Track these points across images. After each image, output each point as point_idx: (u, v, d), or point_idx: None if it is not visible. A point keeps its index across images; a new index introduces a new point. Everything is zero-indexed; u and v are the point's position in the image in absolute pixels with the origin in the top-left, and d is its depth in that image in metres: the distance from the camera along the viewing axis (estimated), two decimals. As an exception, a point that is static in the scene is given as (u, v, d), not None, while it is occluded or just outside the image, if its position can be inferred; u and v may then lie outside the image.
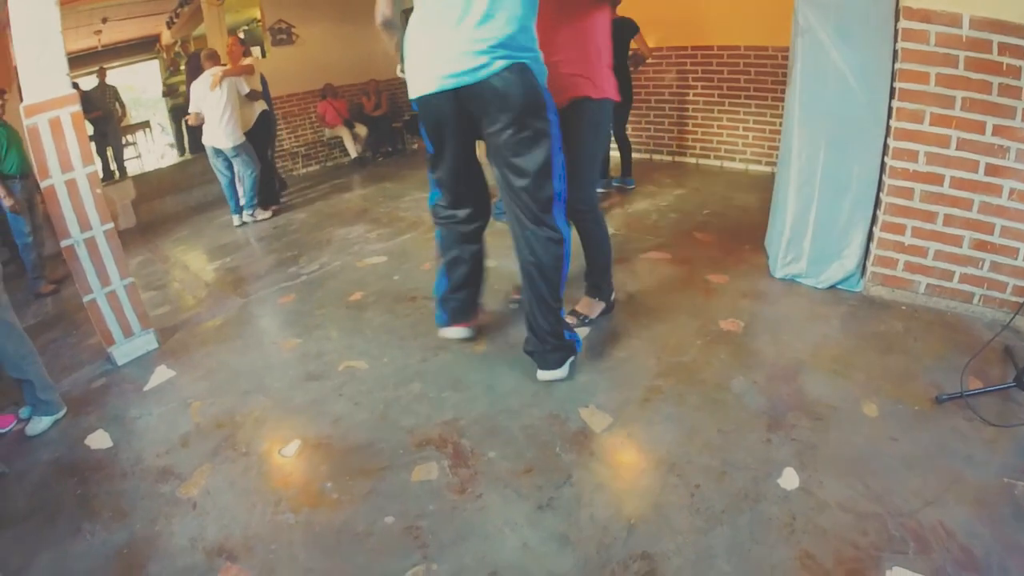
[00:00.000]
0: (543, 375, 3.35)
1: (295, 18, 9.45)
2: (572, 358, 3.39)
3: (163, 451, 3.10)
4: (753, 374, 3.29)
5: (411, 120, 10.47)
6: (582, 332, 3.77)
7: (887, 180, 3.75)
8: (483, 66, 2.82)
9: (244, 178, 6.80)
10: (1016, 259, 3.52)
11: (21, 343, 3.27)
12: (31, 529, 2.70)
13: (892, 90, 3.62)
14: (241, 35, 8.98)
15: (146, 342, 4.05)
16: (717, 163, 7.32)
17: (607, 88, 3.46)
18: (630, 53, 5.92)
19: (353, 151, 9.85)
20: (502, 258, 4.46)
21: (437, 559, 2.34)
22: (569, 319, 3.75)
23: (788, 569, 2.24)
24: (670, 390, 3.22)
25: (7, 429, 3.37)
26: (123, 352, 3.95)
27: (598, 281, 3.90)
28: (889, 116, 3.67)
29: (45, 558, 2.53)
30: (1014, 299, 3.55)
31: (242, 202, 6.97)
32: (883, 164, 3.78)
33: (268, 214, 7.06)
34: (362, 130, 9.96)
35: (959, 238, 3.66)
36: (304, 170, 9.61)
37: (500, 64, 2.83)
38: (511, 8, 2.82)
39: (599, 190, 5.82)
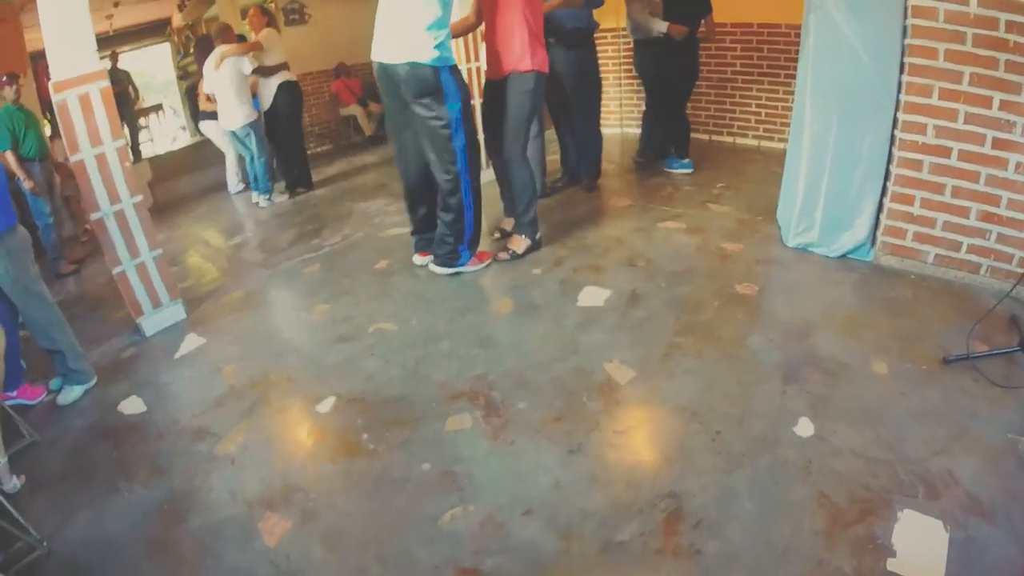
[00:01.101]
0: (433, 266, 4.37)
1: None
2: (454, 270, 4.31)
3: (199, 412, 3.17)
4: (768, 333, 3.38)
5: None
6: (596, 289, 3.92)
7: (897, 152, 3.81)
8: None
9: (255, 161, 6.69)
10: (1023, 231, 3.58)
11: (51, 312, 3.33)
12: (67, 490, 2.77)
13: (902, 65, 3.66)
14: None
15: (175, 312, 4.11)
16: (730, 139, 7.30)
17: (534, 62, 4.17)
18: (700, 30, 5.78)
19: (367, 129, 9.81)
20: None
21: (473, 500, 2.43)
22: (501, 255, 4.52)
23: (806, 507, 2.34)
24: (689, 347, 3.30)
25: (38, 400, 3.42)
26: (152, 323, 4.01)
27: (522, 220, 4.52)
28: (899, 90, 3.72)
29: (83, 517, 2.59)
30: (1020, 270, 3.60)
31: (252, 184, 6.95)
32: (893, 136, 3.83)
33: (284, 197, 6.92)
34: (376, 108, 9.83)
35: (966, 210, 3.71)
36: (319, 148, 9.59)
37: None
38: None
39: (685, 170, 6.01)
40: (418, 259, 4.54)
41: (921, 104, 3.67)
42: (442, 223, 4.21)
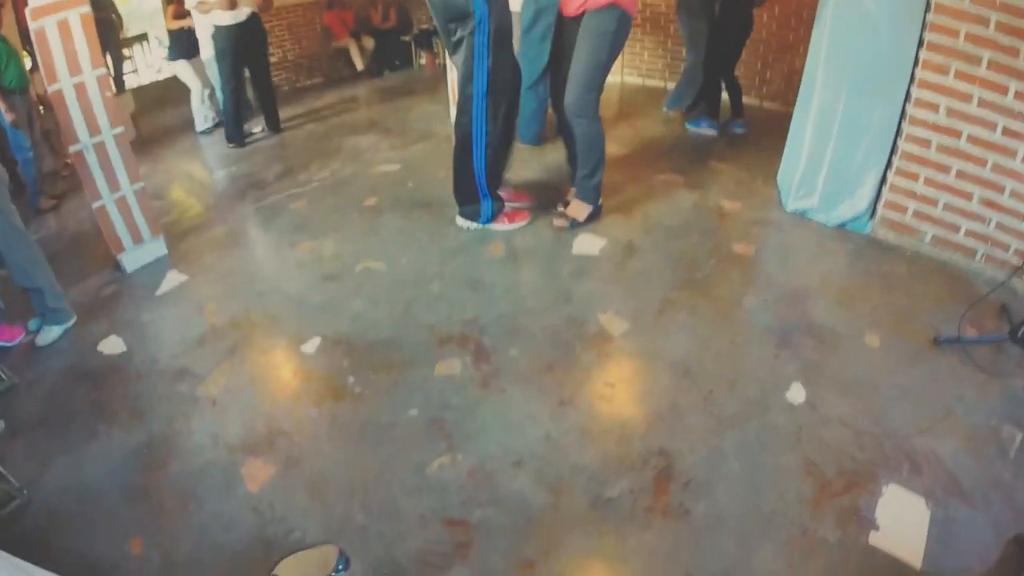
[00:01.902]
0: (459, 219, 4.06)
1: None
2: (477, 225, 4.02)
3: (179, 352, 3.11)
4: (763, 294, 3.37)
5: (421, 34, 10.24)
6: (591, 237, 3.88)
7: (906, 128, 3.78)
8: None
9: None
10: (1023, 222, 3.59)
11: (30, 249, 3.24)
12: (45, 435, 2.72)
13: (921, 40, 3.63)
14: None
15: (156, 248, 4.02)
16: (757, 102, 7.22)
17: None
18: None
19: (359, 64, 9.56)
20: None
21: (462, 449, 2.40)
22: (558, 222, 4.05)
23: (793, 474, 2.36)
24: (684, 303, 3.28)
25: (16, 341, 3.35)
26: (133, 259, 3.92)
27: (585, 183, 4.02)
28: (915, 65, 3.69)
29: (61, 463, 2.55)
30: (1016, 260, 3.63)
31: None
32: (904, 112, 3.80)
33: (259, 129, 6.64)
34: (369, 43, 9.65)
35: (969, 194, 3.71)
36: (308, 82, 9.36)
37: None
38: None
39: (711, 131, 5.62)
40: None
41: (936, 83, 3.64)
42: (455, 168, 3.93)
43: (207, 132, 6.76)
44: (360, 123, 6.70)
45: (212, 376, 2.91)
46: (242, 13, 5.70)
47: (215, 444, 2.54)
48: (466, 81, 3.63)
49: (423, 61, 10.00)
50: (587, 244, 3.81)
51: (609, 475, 2.31)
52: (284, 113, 6.86)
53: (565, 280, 3.47)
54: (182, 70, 6.63)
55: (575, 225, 4.02)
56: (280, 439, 2.51)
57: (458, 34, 3.56)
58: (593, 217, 4.10)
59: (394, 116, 6.81)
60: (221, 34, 5.76)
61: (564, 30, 3.87)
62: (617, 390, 2.72)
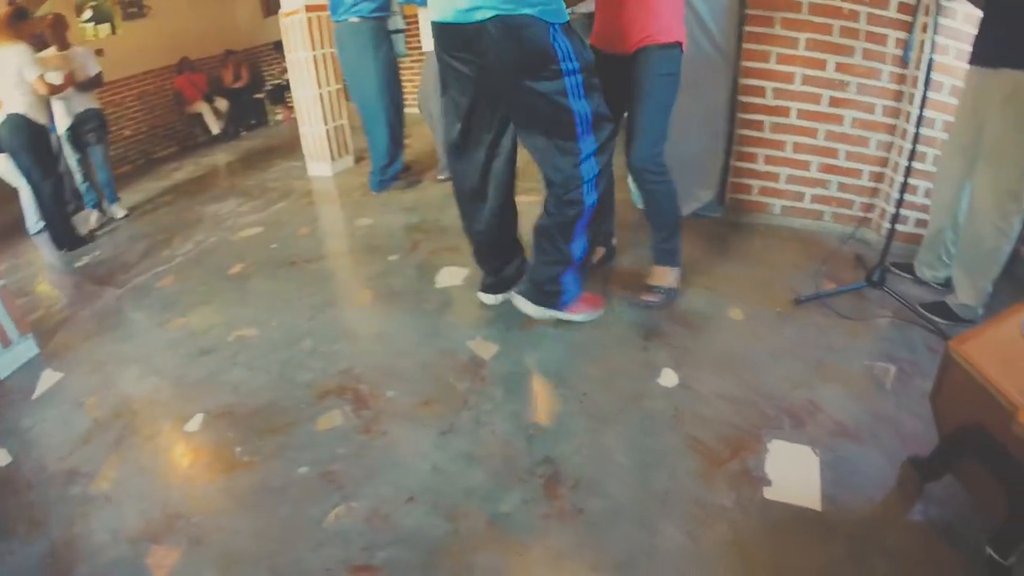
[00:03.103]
0: (521, 303, 3.31)
1: None
2: (554, 314, 3.30)
3: (66, 453, 3.04)
4: (627, 293, 3.53)
5: (273, 90, 10.20)
6: (455, 269, 3.97)
7: (738, 115, 4.13)
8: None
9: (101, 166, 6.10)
10: (861, 179, 3.95)
11: None
12: (-56, 562, 2.64)
13: (741, 32, 3.95)
14: (89, 11, 8.41)
15: (27, 348, 3.91)
16: None
17: (675, 31, 3.12)
18: None
19: (215, 127, 9.54)
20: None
21: (356, 496, 2.44)
22: (648, 298, 3.47)
23: (678, 453, 2.50)
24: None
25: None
26: (4, 364, 3.79)
27: (665, 246, 3.51)
28: (739, 57, 4.00)
29: (-33, 589, 2.48)
30: (862, 215, 3.95)
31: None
32: (735, 101, 4.11)
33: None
34: (223, 104, 9.66)
35: (807, 163, 4.07)
36: (165, 152, 9.23)
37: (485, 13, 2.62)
38: None
39: None
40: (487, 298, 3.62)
41: (760, 69, 4.01)
42: (544, 239, 3.16)
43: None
44: (220, 188, 6.67)
45: (102, 472, 2.87)
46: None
47: (116, 540, 2.51)
48: (562, 151, 2.89)
49: (279, 116, 9.97)
50: (450, 276, 3.93)
51: (500, 492, 2.40)
52: (142, 187, 6.75)
53: (433, 315, 3.56)
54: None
55: (672, 295, 3.49)
56: (179, 522, 2.51)
57: (531, 94, 2.77)
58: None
59: (253, 177, 6.83)
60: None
61: (608, 72, 3.12)
62: (494, 411, 2.82)
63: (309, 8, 5.98)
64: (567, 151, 2.87)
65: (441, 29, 2.82)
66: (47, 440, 3.20)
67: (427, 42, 5.49)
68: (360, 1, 5.15)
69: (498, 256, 3.49)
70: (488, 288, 3.57)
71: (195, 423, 3.02)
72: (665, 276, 3.51)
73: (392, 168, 5.74)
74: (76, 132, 5.85)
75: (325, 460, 2.64)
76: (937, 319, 3.24)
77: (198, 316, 3.94)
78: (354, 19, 5.20)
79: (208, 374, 3.36)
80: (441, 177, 5.88)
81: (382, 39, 5.32)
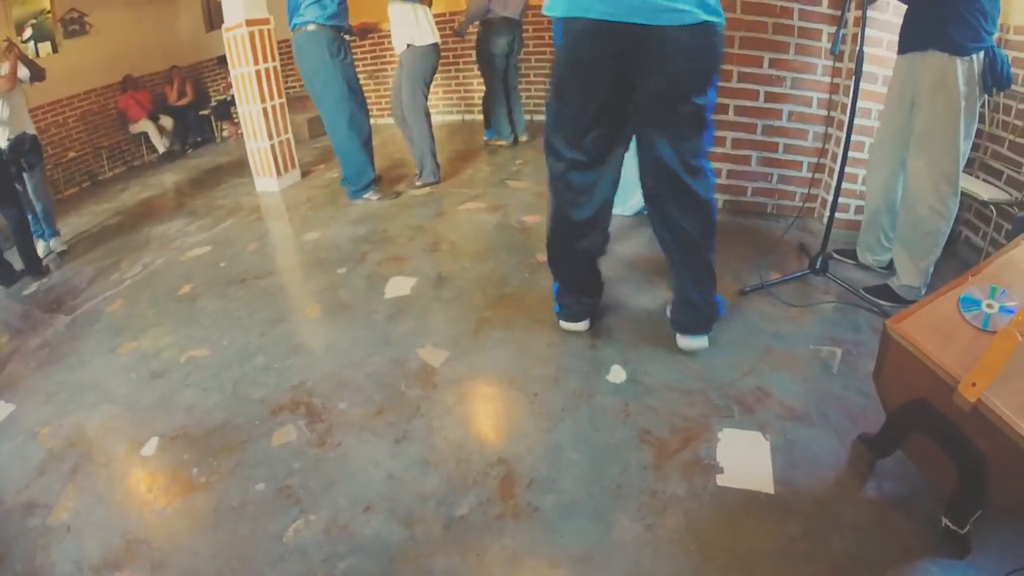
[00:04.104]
0: (692, 343, 3.07)
1: (88, 5, 8.69)
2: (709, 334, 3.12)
3: (23, 486, 3.01)
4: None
5: (219, 106, 10.09)
6: (402, 279, 4.01)
7: None
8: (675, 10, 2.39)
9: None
10: (801, 171, 4.05)
11: None
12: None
13: None
14: (29, 30, 8.22)
15: (-24, 383, 3.87)
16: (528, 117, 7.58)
17: None
18: None
19: (160, 145, 9.39)
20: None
21: (313, 509, 2.46)
22: None
23: (630, 446, 2.56)
24: (498, 319, 3.48)
25: None
26: (-45, 399, 3.77)
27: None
28: None
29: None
30: (804, 205, 4.06)
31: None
32: None
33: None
34: (168, 122, 9.53)
35: (747, 157, 4.17)
36: (111, 173, 9.09)
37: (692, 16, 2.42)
38: None
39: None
40: (579, 325, 3.36)
41: None
42: (692, 270, 2.95)
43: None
44: (167, 208, 6.61)
45: (61, 502, 2.84)
46: None
47: (79, 570, 2.49)
48: (694, 166, 2.77)
49: (225, 133, 9.85)
50: (399, 286, 3.98)
51: (456, 495, 2.43)
52: (88, 209, 6.67)
53: (382, 325, 3.59)
54: None
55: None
56: (140, 547, 2.50)
57: (684, 108, 2.64)
58: None
59: (200, 196, 6.78)
60: None
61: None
62: (447, 417, 2.86)
63: (250, 22, 5.92)
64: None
65: (595, 27, 2.48)
66: (2, 474, 3.16)
67: (401, 42, 5.52)
68: (312, 5, 5.11)
69: (597, 280, 3.35)
70: (579, 316, 3.33)
71: (150, 447, 3.01)
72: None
73: (365, 176, 5.69)
74: (8, 159, 5.63)
75: (281, 475, 2.65)
76: (881, 301, 3.34)
77: (149, 339, 3.91)
78: (312, 27, 5.16)
79: (161, 397, 3.34)
80: (419, 184, 5.91)
81: (340, 45, 5.28)
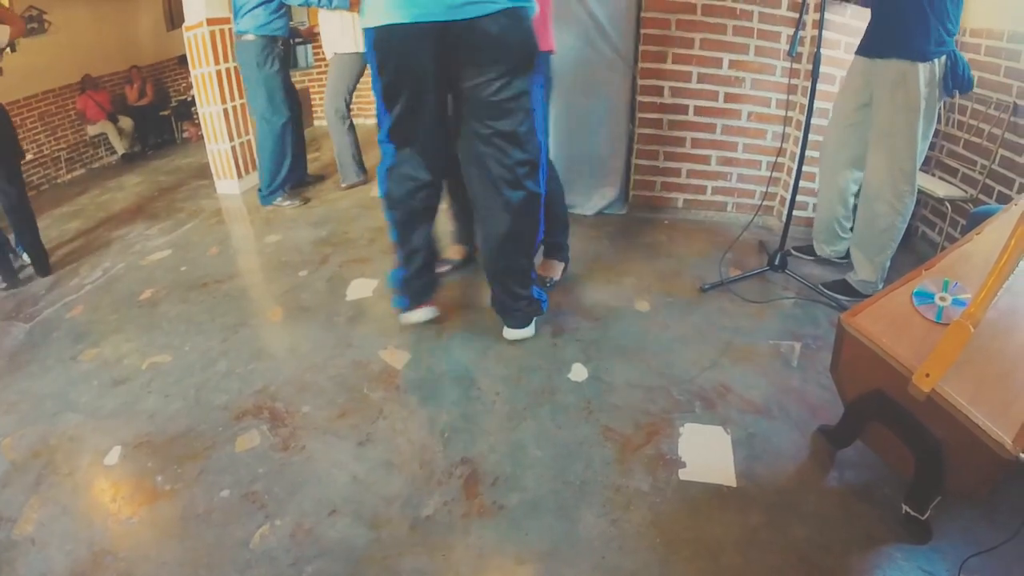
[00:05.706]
0: (513, 334, 3.28)
1: (47, 2, 8.47)
2: (536, 317, 3.33)
3: (-15, 499, 3.01)
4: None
5: (179, 107, 9.97)
6: (364, 281, 4.03)
7: (638, 114, 4.30)
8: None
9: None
10: (759, 169, 4.14)
11: None
12: None
13: (638, 35, 4.11)
14: None
15: (-64, 395, 3.81)
16: None
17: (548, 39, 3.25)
18: None
19: (120, 147, 9.23)
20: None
21: (279, 514, 2.47)
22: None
23: (592, 443, 2.61)
24: (461, 319, 3.51)
25: None
26: (-87, 413, 3.70)
27: (559, 240, 3.75)
28: (636, 60, 4.16)
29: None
30: (763, 203, 4.14)
31: None
32: (634, 101, 4.27)
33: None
34: (127, 123, 9.37)
35: (707, 157, 4.27)
36: (69, 175, 8.88)
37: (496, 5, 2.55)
38: None
39: None
40: (419, 314, 3.46)
41: (657, 69, 4.18)
42: (512, 276, 3.15)
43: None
44: (127, 212, 6.49)
45: (24, 515, 2.80)
46: None
47: (45, 583, 2.48)
48: (520, 147, 2.85)
49: (186, 134, 9.72)
50: (360, 288, 4.00)
51: (420, 496, 2.46)
52: (47, 213, 6.59)
53: (344, 328, 3.60)
54: None
55: (552, 286, 3.72)
56: (107, 558, 2.49)
57: (507, 90, 2.73)
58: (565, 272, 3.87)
59: (161, 198, 6.68)
60: None
61: None
62: (409, 418, 2.88)
63: (211, 21, 5.85)
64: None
65: (412, 31, 2.57)
66: (-36, 492, 3.15)
67: (329, 49, 5.57)
68: (246, 15, 5.13)
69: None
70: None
71: (114, 456, 2.99)
72: (553, 268, 3.80)
73: (274, 183, 5.75)
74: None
75: (246, 481, 2.65)
76: (839, 296, 3.41)
77: (110, 346, 3.87)
78: (249, 36, 5.19)
79: (123, 404, 3.32)
80: (344, 185, 6.00)
81: (269, 55, 5.29)
